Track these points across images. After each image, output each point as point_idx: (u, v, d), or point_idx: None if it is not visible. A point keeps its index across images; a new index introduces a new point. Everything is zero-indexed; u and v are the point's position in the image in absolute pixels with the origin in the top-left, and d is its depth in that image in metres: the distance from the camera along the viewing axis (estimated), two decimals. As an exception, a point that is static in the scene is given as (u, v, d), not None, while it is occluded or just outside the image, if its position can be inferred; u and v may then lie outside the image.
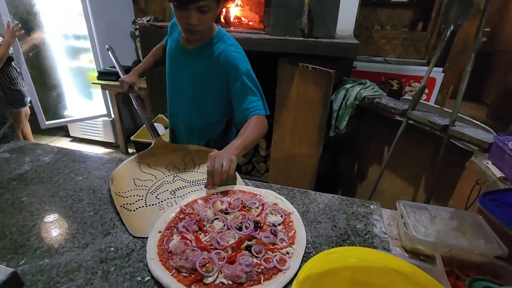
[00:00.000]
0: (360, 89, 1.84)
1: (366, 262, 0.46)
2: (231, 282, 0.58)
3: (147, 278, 0.61)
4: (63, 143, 3.32)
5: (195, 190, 0.88)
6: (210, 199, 0.81)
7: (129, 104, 3.15)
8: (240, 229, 0.70)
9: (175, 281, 0.58)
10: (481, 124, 1.40)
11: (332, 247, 0.71)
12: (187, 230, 0.70)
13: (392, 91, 2.72)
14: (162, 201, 0.83)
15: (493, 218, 0.69)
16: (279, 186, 0.95)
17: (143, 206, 0.81)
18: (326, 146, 1.95)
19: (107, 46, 1.51)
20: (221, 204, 0.78)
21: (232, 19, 2.66)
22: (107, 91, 2.93)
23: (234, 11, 2.68)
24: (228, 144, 0.90)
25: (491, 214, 0.70)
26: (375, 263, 0.45)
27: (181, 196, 0.85)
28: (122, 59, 3.31)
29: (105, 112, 3.08)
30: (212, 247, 0.65)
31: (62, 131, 3.42)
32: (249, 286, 0.57)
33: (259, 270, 0.60)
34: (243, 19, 2.71)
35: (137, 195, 0.84)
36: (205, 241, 0.67)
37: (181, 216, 0.75)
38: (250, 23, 2.71)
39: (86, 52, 2.88)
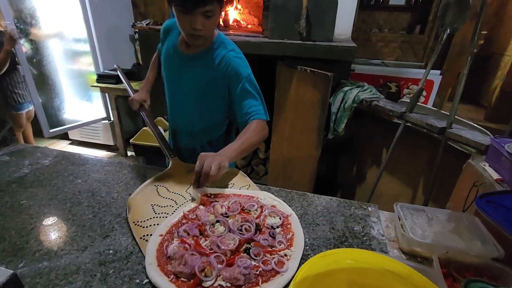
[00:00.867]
0: (358, 92, 1.85)
1: (362, 264, 0.46)
2: (229, 285, 0.58)
3: (146, 280, 0.61)
4: (62, 145, 3.32)
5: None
6: (210, 203, 0.80)
7: (128, 107, 3.16)
8: (240, 231, 0.70)
9: (174, 287, 0.57)
10: (478, 126, 1.41)
11: (330, 249, 0.71)
12: (188, 234, 0.70)
13: (390, 94, 2.73)
14: None
15: (490, 220, 0.70)
16: (278, 188, 0.96)
17: None
18: (325, 149, 1.95)
19: (115, 66, 1.51)
20: (221, 208, 0.78)
21: (231, 22, 2.68)
22: (106, 94, 2.94)
23: (233, 14, 2.70)
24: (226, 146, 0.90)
25: (488, 216, 0.70)
26: (371, 265, 0.46)
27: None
28: (122, 62, 3.32)
29: (104, 115, 3.09)
30: (212, 251, 0.65)
31: (61, 134, 3.42)
32: None
33: (258, 272, 0.61)
34: (242, 22, 2.73)
35: (157, 224, 0.75)
36: (205, 245, 0.67)
37: (184, 221, 0.75)
38: (249, 26, 2.73)
39: (85, 55, 2.89)
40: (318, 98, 1.79)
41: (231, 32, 2.49)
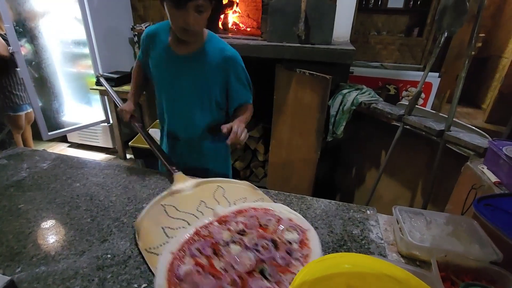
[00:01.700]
0: (357, 95, 1.85)
1: (360, 268, 0.46)
2: None
3: (144, 285, 0.61)
4: (61, 148, 3.31)
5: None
6: (225, 221, 0.75)
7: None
8: (256, 249, 0.65)
9: None
10: (476, 129, 1.42)
11: (329, 253, 0.71)
12: (200, 253, 0.64)
13: (389, 96, 2.74)
14: None
15: (488, 223, 0.70)
16: (276, 192, 0.96)
17: None
18: (324, 151, 1.96)
19: (97, 74, 1.50)
20: (237, 225, 0.73)
21: (230, 25, 2.69)
22: (105, 97, 2.94)
23: (232, 17, 2.71)
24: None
25: (486, 220, 0.70)
26: (369, 269, 0.46)
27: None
28: (121, 65, 3.32)
29: (103, 117, 3.08)
30: (226, 272, 0.60)
31: (60, 136, 3.42)
32: None
33: None
34: (241, 25, 2.74)
35: None
36: (220, 268, 0.61)
37: (196, 238, 0.69)
38: (248, 29, 2.74)
39: (85, 58, 2.89)
40: (317, 101, 1.80)
41: (230, 35, 2.50)
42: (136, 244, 0.71)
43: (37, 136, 2.71)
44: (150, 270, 0.64)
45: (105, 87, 1.41)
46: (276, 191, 0.96)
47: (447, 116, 1.42)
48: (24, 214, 0.81)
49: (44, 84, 2.65)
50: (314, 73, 1.76)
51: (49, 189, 0.93)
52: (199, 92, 1.07)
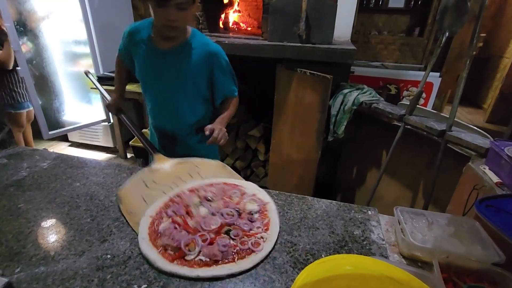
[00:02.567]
0: (358, 94, 1.85)
1: (361, 270, 0.46)
2: (208, 259, 0.66)
3: (144, 286, 0.61)
4: (61, 147, 3.31)
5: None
6: (196, 189, 0.88)
7: (128, 109, 3.16)
8: (222, 215, 0.78)
9: (161, 257, 0.66)
10: (477, 129, 1.41)
11: (330, 254, 0.71)
12: (175, 214, 0.78)
13: (390, 96, 2.73)
14: None
15: (490, 224, 0.69)
16: (277, 192, 0.95)
17: None
18: (325, 151, 1.95)
19: (84, 71, 1.57)
20: (206, 193, 0.87)
21: (230, 24, 2.69)
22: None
23: (232, 16, 2.70)
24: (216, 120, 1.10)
25: (488, 221, 0.70)
26: (370, 271, 0.46)
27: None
28: (121, 64, 3.26)
29: (104, 117, 3.08)
30: (197, 229, 0.73)
31: (61, 135, 3.41)
32: (223, 263, 0.65)
33: (235, 251, 0.69)
34: (241, 24, 2.73)
35: None
36: (191, 225, 0.75)
37: (170, 203, 0.83)
38: (249, 28, 2.73)
39: (85, 57, 2.89)
40: (318, 101, 1.79)
41: (230, 34, 2.49)
42: (136, 245, 0.71)
43: (38, 135, 2.70)
44: (148, 266, 0.64)
45: (93, 83, 1.46)
46: (277, 191, 0.95)
47: (448, 116, 1.41)
48: (24, 214, 0.81)
49: (44, 83, 2.64)
50: (315, 72, 1.75)
51: (49, 189, 0.93)
52: (184, 85, 1.11)
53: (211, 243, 0.70)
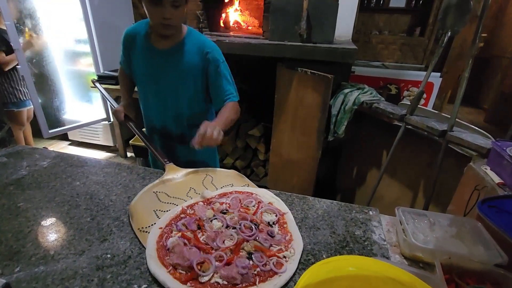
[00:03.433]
0: (359, 94, 1.84)
1: (364, 271, 0.46)
2: (226, 283, 0.59)
3: (144, 286, 0.60)
4: (61, 146, 3.30)
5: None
6: (210, 202, 0.83)
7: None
8: (239, 228, 0.72)
9: (171, 278, 0.59)
10: (479, 129, 1.41)
11: (331, 254, 0.70)
12: (186, 228, 0.72)
13: (390, 96, 2.73)
14: None
15: (493, 225, 0.69)
16: (278, 191, 0.95)
17: None
18: (325, 151, 1.95)
19: (92, 79, 1.58)
20: (220, 205, 0.81)
21: (231, 24, 2.68)
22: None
23: (233, 16, 2.70)
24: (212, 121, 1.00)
25: (490, 221, 0.69)
26: (373, 272, 0.45)
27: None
28: (121, 63, 3.26)
29: (104, 116, 3.07)
30: (209, 246, 0.67)
31: (61, 134, 3.41)
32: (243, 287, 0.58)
33: (255, 272, 0.62)
34: (242, 24, 2.73)
35: None
36: (202, 240, 0.69)
37: (182, 215, 0.77)
38: (250, 27, 2.73)
39: (85, 56, 2.88)
40: (318, 100, 1.79)
41: (231, 33, 2.49)
42: (136, 244, 0.71)
43: (38, 134, 2.70)
44: (149, 271, 0.63)
45: (100, 91, 1.46)
46: (278, 191, 0.95)
47: (449, 116, 1.40)
48: (24, 213, 0.81)
49: (45, 82, 2.64)
50: (316, 72, 1.75)
51: (48, 188, 0.92)
52: (184, 83, 1.11)
53: (228, 263, 0.63)
